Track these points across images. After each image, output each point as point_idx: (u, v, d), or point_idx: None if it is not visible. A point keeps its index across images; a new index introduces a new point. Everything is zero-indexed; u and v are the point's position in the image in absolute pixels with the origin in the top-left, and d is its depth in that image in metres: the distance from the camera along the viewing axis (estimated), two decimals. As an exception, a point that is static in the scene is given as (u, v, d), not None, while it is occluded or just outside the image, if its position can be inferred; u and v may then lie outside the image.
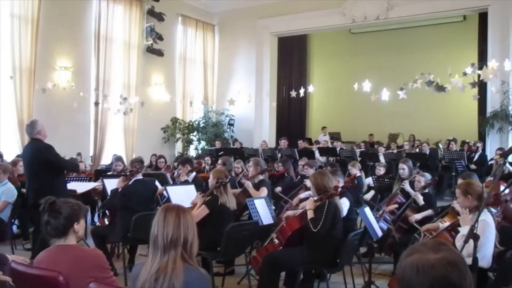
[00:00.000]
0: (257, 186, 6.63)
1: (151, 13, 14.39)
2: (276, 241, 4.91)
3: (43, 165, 5.87)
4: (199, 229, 2.56)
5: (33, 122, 6.05)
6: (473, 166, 11.02)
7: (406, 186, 6.41)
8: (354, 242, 4.89)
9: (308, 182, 7.18)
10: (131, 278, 2.57)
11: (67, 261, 2.72)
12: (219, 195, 5.31)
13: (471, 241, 3.03)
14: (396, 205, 6.22)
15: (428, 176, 6.27)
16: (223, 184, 5.34)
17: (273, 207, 6.23)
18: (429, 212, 5.83)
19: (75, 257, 2.76)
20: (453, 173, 10.85)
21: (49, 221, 2.83)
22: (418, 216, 5.77)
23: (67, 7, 12.24)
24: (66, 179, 6.96)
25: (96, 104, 12.54)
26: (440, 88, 8.21)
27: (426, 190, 6.16)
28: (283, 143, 13.23)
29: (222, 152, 12.54)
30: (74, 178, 8.08)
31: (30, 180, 6.08)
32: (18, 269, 2.82)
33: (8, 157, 9.80)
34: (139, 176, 6.10)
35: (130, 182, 6.01)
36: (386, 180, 8.17)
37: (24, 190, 7.20)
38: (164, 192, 6.63)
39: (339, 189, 4.85)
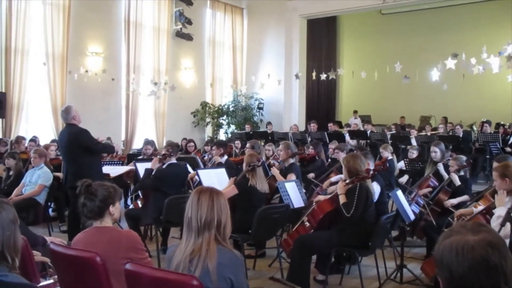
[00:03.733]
0: (287, 170, 6.63)
1: (180, -3, 14.40)
2: (308, 224, 4.90)
3: (79, 148, 6.01)
4: (231, 212, 2.57)
5: (67, 108, 6.18)
6: (508, 149, 10.75)
7: (441, 168, 6.31)
8: (386, 226, 4.85)
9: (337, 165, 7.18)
10: (165, 259, 2.61)
11: (104, 242, 2.78)
12: (250, 177, 5.34)
13: (507, 224, 2.98)
14: (430, 189, 6.13)
15: (463, 158, 6.14)
16: (254, 168, 5.37)
17: (304, 191, 6.22)
18: (465, 197, 5.69)
19: (111, 239, 2.82)
20: (487, 156, 10.61)
21: (85, 204, 2.89)
22: (454, 201, 5.66)
23: (97, -7, 12.37)
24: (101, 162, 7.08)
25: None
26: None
27: (461, 173, 6.05)
28: (313, 126, 13.15)
29: (251, 135, 12.57)
30: (108, 162, 8.22)
31: (68, 163, 6.23)
32: (56, 250, 2.89)
33: (43, 142, 10.05)
34: (173, 160, 6.17)
35: (164, 166, 6.08)
36: (418, 163, 8.05)
37: (57, 174, 7.41)
38: (196, 176, 6.68)
39: (371, 172, 4.81)
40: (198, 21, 15.34)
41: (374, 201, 4.90)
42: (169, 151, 6.15)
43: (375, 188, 5.19)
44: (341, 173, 6.46)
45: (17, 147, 8.81)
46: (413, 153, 8.71)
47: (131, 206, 7.83)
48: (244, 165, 5.54)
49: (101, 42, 12.60)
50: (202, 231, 2.42)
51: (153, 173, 6.00)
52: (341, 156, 7.46)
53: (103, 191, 2.89)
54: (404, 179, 7.56)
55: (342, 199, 4.60)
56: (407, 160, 8.41)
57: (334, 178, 6.40)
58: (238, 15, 17.04)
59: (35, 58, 11.38)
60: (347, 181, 4.68)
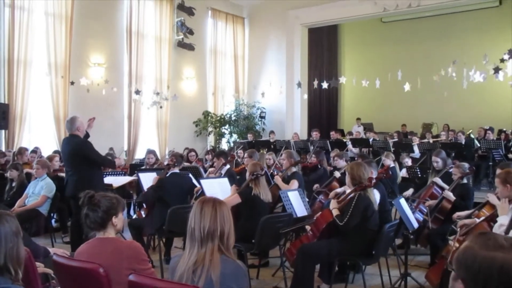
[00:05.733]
0: (289, 178, 6.62)
1: (181, 7, 14.48)
2: (310, 233, 4.90)
3: (81, 159, 6.03)
4: (234, 221, 2.57)
5: (72, 119, 6.21)
6: (511, 155, 10.74)
7: (439, 181, 6.28)
8: (390, 234, 4.84)
9: (338, 173, 7.18)
10: (169, 270, 2.61)
11: (107, 253, 2.78)
12: (254, 187, 5.35)
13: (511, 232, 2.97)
14: (436, 201, 6.09)
15: (465, 165, 6.13)
16: (257, 177, 5.37)
17: (307, 199, 6.21)
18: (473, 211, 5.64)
19: (115, 250, 2.81)
20: (490, 163, 10.59)
21: (88, 215, 2.89)
22: (462, 213, 5.58)
23: (99, 4, 12.45)
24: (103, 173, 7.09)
25: (137, 92, 12.43)
26: (496, 70, 7.96)
27: (464, 181, 6.03)
28: (315, 134, 13.17)
29: (254, 144, 12.58)
30: (110, 173, 8.23)
31: (69, 173, 6.24)
32: (59, 262, 2.89)
33: (45, 152, 10.07)
34: (176, 170, 6.18)
35: (167, 175, 6.10)
36: (417, 170, 8.03)
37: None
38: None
39: (373, 181, 4.81)
40: (200, 30, 15.41)
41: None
42: (173, 161, 6.17)
43: (376, 194, 5.19)
44: (342, 182, 6.48)
45: (20, 158, 8.82)
46: (407, 162, 8.72)
47: (134, 216, 7.83)
48: (247, 174, 5.55)
49: (103, 52, 12.66)
50: (206, 241, 2.41)
51: (155, 183, 6.02)
52: (341, 164, 7.48)
53: (106, 202, 2.89)
54: (409, 192, 7.43)
55: (335, 213, 4.64)
56: (407, 167, 8.41)
57: (339, 189, 6.39)
58: (239, 24, 17.12)
59: (38, 69, 11.43)
60: (347, 192, 4.68)
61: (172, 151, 7.22)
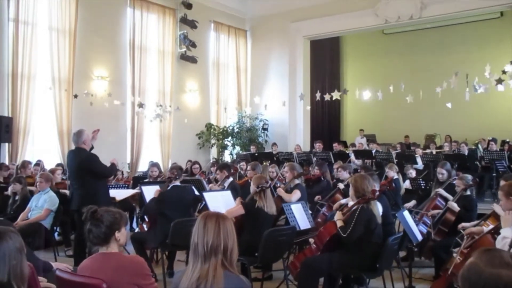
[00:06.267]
0: (292, 190, 6.62)
1: (184, 21, 14.56)
2: (314, 245, 4.88)
3: (86, 173, 6.03)
4: (237, 234, 2.56)
5: (79, 132, 6.22)
6: (514, 166, 10.71)
7: (442, 192, 6.28)
8: (394, 247, 4.81)
9: (341, 185, 7.16)
10: (172, 286, 2.60)
11: (110, 269, 2.77)
12: (258, 199, 5.34)
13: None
14: (439, 210, 6.08)
15: (469, 177, 6.11)
16: (263, 189, 5.37)
17: (310, 212, 6.20)
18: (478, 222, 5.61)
19: (118, 265, 2.81)
20: (494, 174, 10.57)
21: (91, 230, 2.89)
22: (467, 224, 5.56)
23: (102, 18, 12.54)
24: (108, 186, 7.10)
25: (140, 105, 12.43)
26: (499, 81, 7.96)
27: (468, 192, 6.01)
28: (318, 146, 13.16)
29: (256, 156, 12.58)
30: (113, 186, 8.24)
31: (75, 187, 6.24)
32: (62, 277, 2.89)
33: (48, 166, 10.08)
34: (177, 183, 6.18)
35: (168, 188, 6.10)
36: (421, 182, 8.00)
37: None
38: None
39: (377, 193, 4.79)
40: (202, 43, 15.49)
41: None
42: (174, 174, 6.17)
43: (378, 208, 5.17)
44: (345, 194, 6.47)
45: (23, 171, 8.83)
46: (412, 173, 8.68)
47: (136, 230, 7.82)
48: (252, 187, 5.55)
49: (106, 66, 12.72)
50: (209, 256, 2.40)
51: (156, 196, 6.02)
52: (344, 175, 7.46)
53: (109, 217, 2.89)
54: (411, 204, 7.40)
55: (339, 224, 4.63)
56: (411, 179, 8.37)
57: (343, 201, 6.38)
58: (242, 37, 17.20)
59: (41, 82, 11.47)
60: (350, 204, 4.67)
61: (174, 164, 7.21)
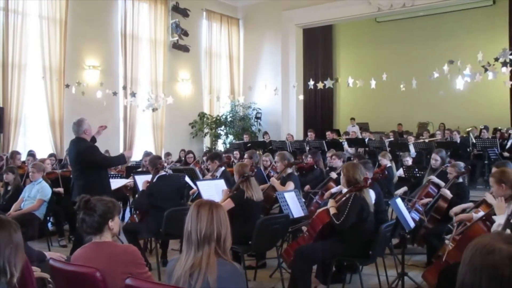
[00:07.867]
0: (285, 180, 6.61)
1: (176, 9, 14.47)
2: (307, 234, 4.90)
3: (86, 164, 5.92)
4: (230, 223, 2.56)
5: (79, 121, 6.02)
6: (506, 154, 10.77)
7: (435, 179, 6.31)
8: (386, 234, 4.84)
9: (334, 174, 7.16)
10: (166, 274, 2.60)
11: (103, 258, 2.77)
12: (245, 189, 5.33)
13: (508, 231, 2.98)
14: (430, 199, 6.11)
15: (461, 164, 6.14)
16: (248, 178, 5.36)
17: (303, 200, 6.21)
18: (469, 204, 5.65)
19: (111, 254, 2.81)
20: (486, 161, 10.62)
21: (84, 219, 2.88)
22: (458, 209, 5.57)
23: (93, 7, 12.44)
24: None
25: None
26: (485, 69, 7.96)
27: (460, 180, 6.04)
28: (310, 135, 13.18)
29: (249, 145, 12.58)
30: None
31: (75, 178, 6.15)
32: (56, 266, 2.88)
33: (40, 156, 10.02)
34: (162, 173, 6.19)
35: (154, 180, 6.09)
36: (415, 170, 8.03)
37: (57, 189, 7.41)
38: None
39: (369, 181, 4.81)
40: (195, 32, 15.41)
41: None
42: (160, 165, 6.23)
43: (370, 195, 5.19)
44: (338, 183, 6.48)
45: (12, 162, 8.72)
46: (408, 161, 8.71)
47: (126, 220, 7.79)
48: (236, 176, 5.53)
49: (98, 55, 12.64)
50: (202, 244, 2.41)
51: (145, 191, 6.02)
52: (338, 164, 7.47)
53: (101, 206, 2.89)
54: (401, 190, 7.45)
55: (332, 211, 4.64)
56: (405, 167, 8.40)
57: (334, 189, 6.39)
58: (234, 25, 17.12)
59: (33, 72, 11.40)
60: (343, 192, 4.68)
61: (151, 156, 7.11)
